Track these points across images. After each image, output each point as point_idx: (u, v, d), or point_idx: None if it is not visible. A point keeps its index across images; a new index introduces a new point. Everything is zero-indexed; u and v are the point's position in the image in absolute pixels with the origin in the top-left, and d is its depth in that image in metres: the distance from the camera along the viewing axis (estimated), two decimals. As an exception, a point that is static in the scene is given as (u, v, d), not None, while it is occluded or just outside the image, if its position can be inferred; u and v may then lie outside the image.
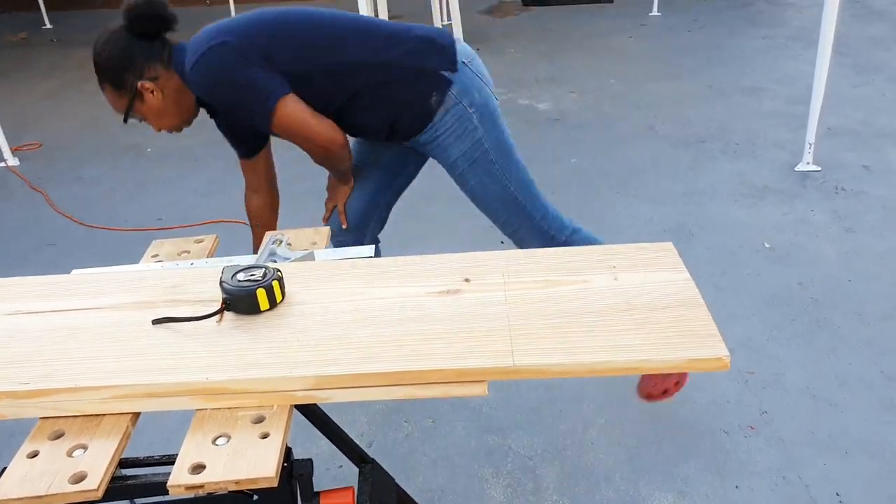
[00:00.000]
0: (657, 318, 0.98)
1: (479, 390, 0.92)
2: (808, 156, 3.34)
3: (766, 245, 2.78)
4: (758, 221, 2.96)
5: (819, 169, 3.34)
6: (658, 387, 1.91)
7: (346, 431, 1.54)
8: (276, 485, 0.83)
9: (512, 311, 1.01)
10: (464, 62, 1.68)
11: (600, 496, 1.78)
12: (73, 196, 3.56)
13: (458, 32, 5.55)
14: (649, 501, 1.76)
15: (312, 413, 1.50)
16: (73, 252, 2.98)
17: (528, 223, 1.78)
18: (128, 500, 0.90)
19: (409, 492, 1.69)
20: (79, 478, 0.84)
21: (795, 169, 3.36)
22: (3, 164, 3.95)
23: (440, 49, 1.67)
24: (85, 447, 0.88)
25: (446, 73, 1.65)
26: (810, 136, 3.29)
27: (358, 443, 1.57)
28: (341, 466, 1.84)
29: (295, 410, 1.43)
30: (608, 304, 1.02)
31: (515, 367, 0.92)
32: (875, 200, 3.07)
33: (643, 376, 1.94)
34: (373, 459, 1.60)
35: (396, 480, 1.62)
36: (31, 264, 2.92)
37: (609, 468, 1.85)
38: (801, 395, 2.05)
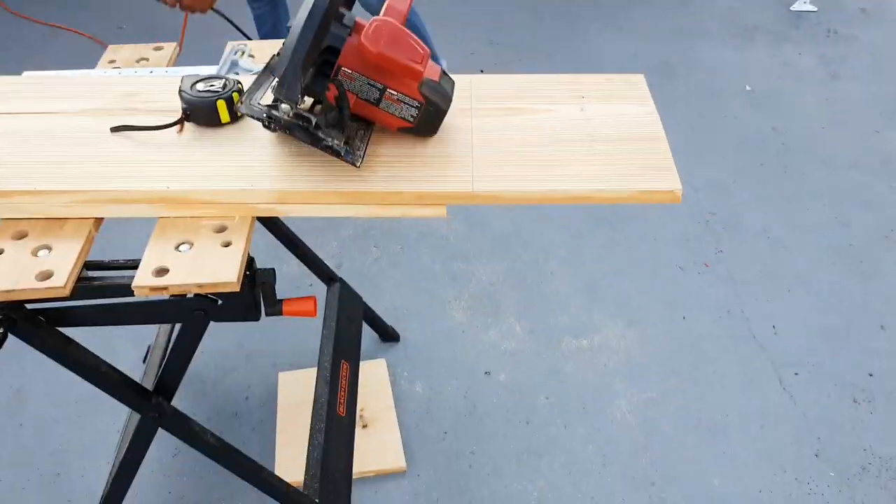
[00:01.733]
0: (616, 149, 0.99)
1: (439, 212, 0.94)
2: (805, -6, 3.21)
3: (748, 88, 2.75)
4: (743, 63, 2.90)
5: (815, 10, 3.22)
6: None
7: (317, 254, 1.60)
8: (237, 290, 0.87)
9: (475, 139, 1.01)
10: None
11: (555, 321, 1.89)
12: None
13: None
14: (601, 328, 1.88)
15: (281, 231, 1.54)
16: (27, 59, 2.84)
17: None
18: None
19: (375, 310, 1.78)
20: (46, 275, 0.86)
21: (791, 8, 3.23)
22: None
23: None
24: (49, 248, 0.90)
25: None
26: (811, -27, 3.14)
27: (328, 264, 1.63)
28: (311, 285, 1.91)
29: (264, 229, 1.47)
30: (570, 135, 1.01)
31: (474, 192, 0.93)
32: (865, 46, 3.00)
33: None
34: (341, 278, 1.66)
35: (364, 300, 1.71)
36: (-12, 69, 2.78)
37: (565, 296, 1.95)
38: (757, 236, 2.13)
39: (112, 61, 1.23)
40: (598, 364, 1.78)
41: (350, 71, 0.92)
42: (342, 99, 0.92)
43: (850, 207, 2.23)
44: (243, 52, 1.22)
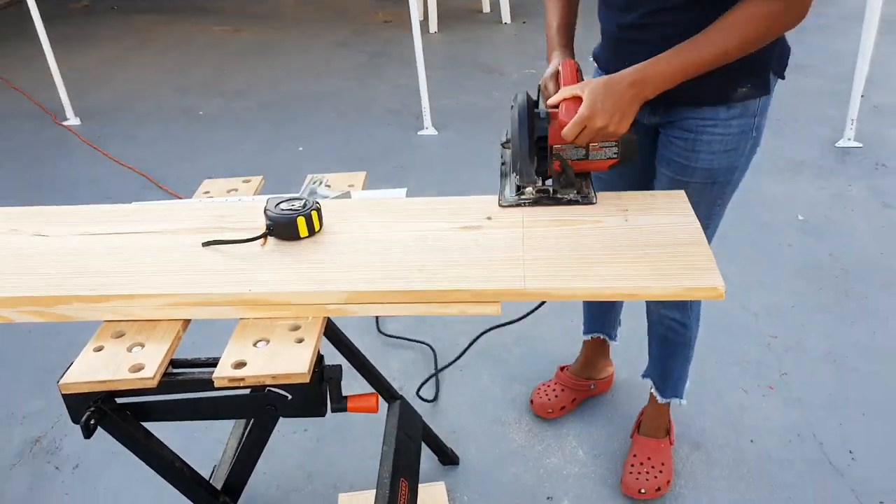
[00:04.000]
0: (660, 252, 1.06)
1: (493, 310, 1.01)
2: (849, 132, 3.30)
3: (800, 217, 2.79)
4: (793, 195, 2.96)
5: (861, 146, 3.31)
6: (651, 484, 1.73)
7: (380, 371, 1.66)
8: (308, 381, 0.94)
9: (527, 245, 1.10)
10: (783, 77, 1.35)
11: (618, 445, 1.86)
12: (127, 155, 3.74)
13: (505, 5, 5.58)
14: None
15: (348, 349, 1.62)
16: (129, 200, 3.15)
17: None
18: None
19: (435, 431, 1.80)
20: (137, 368, 0.96)
21: (836, 145, 3.33)
22: (65, 123, 4.17)
23: (786, 47, 1.34)
24: (142, 345, 1.00)
25: (771, 76, 1.32)
26: (853, 111, 3.25)
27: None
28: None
29: (333, 348, 1.55)
30: (616, 240, 1.09)
31: (525, 289, 1.00)
32: (916, 178, 3.04)
33: (628, 472, 1.74)
34: (401, 396, 1.71)
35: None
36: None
37: (629, 420, 1.93)
38: (822, 359, 2.09)
39: (206, 192, 1.40)
40: (667, 497, 1.73)
41: (560, 145, 1.19)
42: (564, 165, 1.20)
43: (919, 331, 2.17)
44: (321, 182, 1.37)
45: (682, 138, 1.35)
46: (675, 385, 1.74)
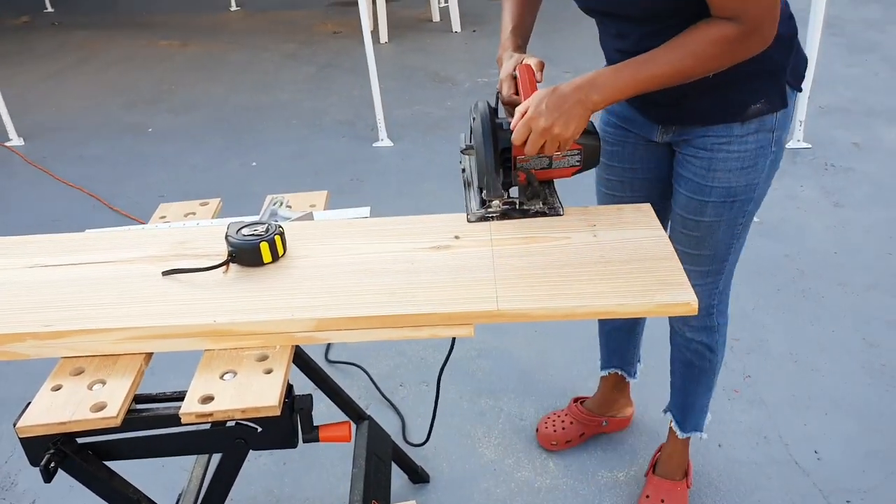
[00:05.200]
0: (631, 268, 1.05)
1: (466, 332, 1.00)
2: (798, 133, 3.40)
3: (756, 220, 2.84)
4: (747, 197, 3.02)
5: (810, 146, 3.40)
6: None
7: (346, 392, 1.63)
8: (278, 413, 0.91)
9: (497, 264, 1.08)
10: (800, 89, 1.32)
11: (588, 454, 1.86)
12: (74, 175, 3.62)
13: (455, 13, 5.60)
14: (637, 458, 1.84)
15: (314, 372, 1.58)
16: (78, 228, 3.04)
17: (711, 284, 1.47)
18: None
19: (404, 450, 1.77)
20: (99, 407, 0.91)
21: (786, 146, 3.41)
22: (7, 144, 4.01)
23: (802, 58, 1.31)
24: (103, 382, 0.96)
25: (788, 89, 1.28)
26: (801, 113, 3.35)
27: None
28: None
29: (298, 370, 1.51)
30: (586, 257, 1.09)
31: (499, 311, 0.99)
32: (863, 176, 3.14)
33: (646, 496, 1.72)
34: (369, 416, 1.68)
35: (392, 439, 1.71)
36: (37, 240, 2.98)
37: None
38: (784, 360, 2.13)
39: (163, 217, 1.35)
40: (634, 497, 1.73)
41: (524, 156, 1.18)
42: (530, 177, 1.20)
43: (876, 328, 2.23)
44: (282, 203, 1.34)
45: (697, 157, 1.31)
46: (697, 418, 1.66)
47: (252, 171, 3.56)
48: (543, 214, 1.21)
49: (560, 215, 1.20)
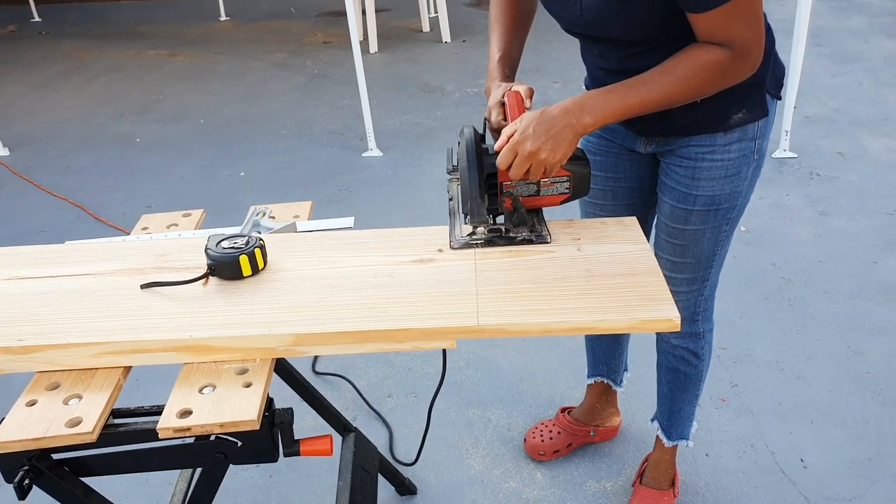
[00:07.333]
0: (614, 283, 1.05)
1: (448, 344, 0.99)
2: (784, 143, 3.42)
3: (742, 228, 2.86)
4: (734, 206, 3.04)
5: (795, 156, 3.43)
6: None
7: (332, 404, 1.62)
8: (258, 428, 0.90)
9: (480, 279, 1.08)
10: (779, 98, 1.33)
11: (575, 465, 1.85)
12: (61, 186, 3.60)
13: (444, 24, 5.62)
14: (624, 468, 1.83)
15: (299, 384, 1.57)
16: (63, 238, 3.02)
17: (696, 291, 1.46)
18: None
19: (391, 462, 1.76)
20: (75, 422, 0.90)
21: (772, 156, 3.44)
22: (-8, 155, 3.99)
23: (779, 66, 1.32)
24: (80, 397, 0.94)
25: (769, 98, 1.28)
26: (786, 123, 3.37)
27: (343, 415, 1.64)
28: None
29: (282, 382, 1.50)
30: (569, 271, 1.08)
31: (479, 326, 0.98)
32: (848, 186, 3.16)
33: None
34: (356, 428, 1.67)
35: (378, 449, 1.70)
36: (22, 251, 2.96)
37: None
38: (771, 368, 2.13)
39: (145, 228, 1.34)
40: (624, 507, 1.73)
41: (510, 182, 1.16)
42: (517, 203, 1.17)
43: (860, 335, 2.24)
44: (265, 214, 1.33)
45: (681, 166, 1.32)
46: (684, 426, 1.66)
47: (240, 182, 3.55)
48: (530, 242, 1.16)
49: (547, 243, 1.16)
